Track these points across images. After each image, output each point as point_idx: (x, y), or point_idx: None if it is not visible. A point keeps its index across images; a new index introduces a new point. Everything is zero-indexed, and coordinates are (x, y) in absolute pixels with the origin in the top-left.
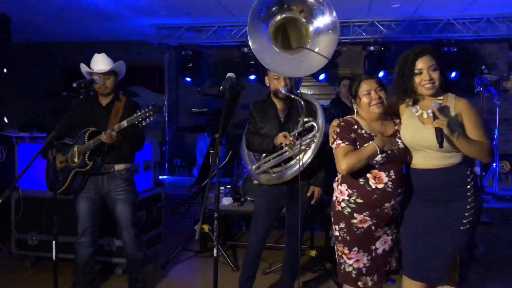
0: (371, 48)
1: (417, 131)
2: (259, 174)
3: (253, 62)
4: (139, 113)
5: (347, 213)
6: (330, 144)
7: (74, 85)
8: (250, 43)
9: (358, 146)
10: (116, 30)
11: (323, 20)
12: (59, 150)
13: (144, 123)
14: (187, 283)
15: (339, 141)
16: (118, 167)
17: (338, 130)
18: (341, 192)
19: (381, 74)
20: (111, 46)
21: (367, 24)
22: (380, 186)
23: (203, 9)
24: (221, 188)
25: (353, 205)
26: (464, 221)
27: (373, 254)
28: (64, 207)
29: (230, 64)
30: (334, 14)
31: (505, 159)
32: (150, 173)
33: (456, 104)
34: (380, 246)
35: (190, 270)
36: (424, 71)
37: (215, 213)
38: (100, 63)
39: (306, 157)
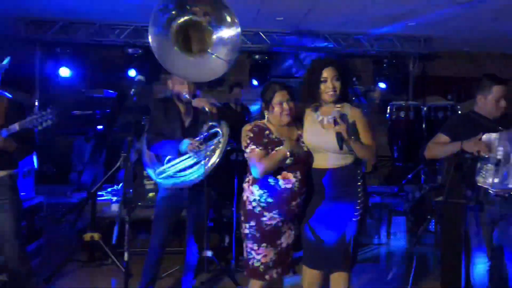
0: (256, 56)
1: (319, 135)
2: (163, 178)
3: (137, 64)
4: (34, 116)
5: (257, 212)
6: (243, 148)
7: None
8: (151, 45)
9: (270, 150)
10: None
11: (227, 31)
12: None
13: (40, 127)
14: None
15: (253, 146)
16: (1, 173)
17: (252, 135)
18: (252, 193)
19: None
20: None
21: (253, 33)
22: (289, 186)
23: (81, 4)
24: (107, 194)
25: (263, 204)
26: (355, 213)
27: (279, 249)
28: None
29: (112, 64)
30: (239, 28)
31: None
32: (31, 180)
33: (351, 113)
34: (285, 240)
35: (77, 282)
36: (328, 80)
37: (127, 219)
38: None
39: (211, 162)
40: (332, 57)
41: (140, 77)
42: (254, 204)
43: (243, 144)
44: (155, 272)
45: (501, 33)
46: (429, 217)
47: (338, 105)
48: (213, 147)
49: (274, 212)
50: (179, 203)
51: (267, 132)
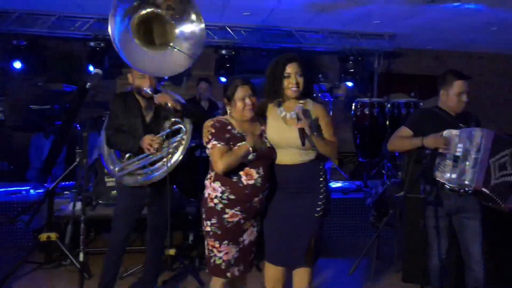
0: (223, 51)
1: (281, 131)
2: (123, 176)
3: (98, 58)
4: None
5: (219, 209)
6: (204, 144)
7: None
8: (111, 37)
9: (232, 145)
10: None
11: (190, 27)
12: None
13: None
14: None
15: (214, 142)
16: None
17: (213, 130)
18: (214, 189)
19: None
20: None
21: (219, 28)
22: (251, 182)
23: None
24: (66, 192)
25: (225, 201)
26: (317, 209)
27: (241, 246)
28: None
29: (72, 58)
30: (203, 23)
31: None
32: None
33: (314, 109)
34: (247, 237)
35: (34, 284)
36: (292, 75)
37: (81, 217)
38: None
39: (174, 159)
40: (295, 53)
41: (97, 71)
42: (216, 201)
43: (205, 140)
44: (115, 271)
45: (464, 32)
46: (390, 211)
47: (301, 101)
48: (176, 143)
49: (236, 209)
50: (140, 200)
51: (229, 127)
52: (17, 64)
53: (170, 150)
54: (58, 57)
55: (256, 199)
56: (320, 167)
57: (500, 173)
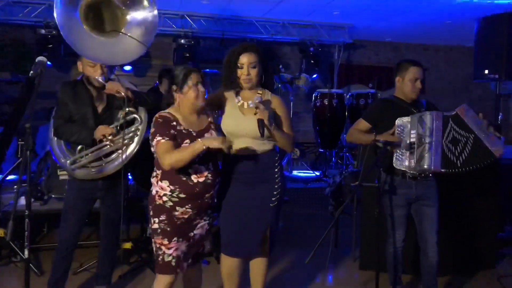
0: (182, 41)
1: (238, 120)
2: (75, 169)
3: (50, 46)
4: None
5: (168, 206)
6: (150, 140)
7: None
8: (58, 23)
9: (179, 142)
10: None
11: (142, 13)
12: None
13: None
14: None
15: (159, 138)
16: None
17: (156, 127)
18: (162, 188)
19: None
20: None
21: (178, 16)
22: (201, 179)
23: None
24: (16, 186)
25: (175, 199)
26: (273, 199)
27: (191, 241)
28: None
29: (22, 46)
30: (155, 9)
31: (296, 147)
32: None
33: (272, 100)
34: (198, 231)
35: None
36: (244, 66)
37: (26, 212)
38: None
39: (129, 150)
40: (252, 44)
41: (41, 58)
42: (165, 198)
43: (150, 136)
44: (66, 267)
45: (420, 24)
46: (347, 200)
47: (260, 91)
48: (131, 134)
49: (187, 206)
50: (92, 194)
51: (174, 123)
52: None
53: (126, 141)
54: (7, 44)
55: (207, 195)
56: (276, 158)
57: (457, 148)
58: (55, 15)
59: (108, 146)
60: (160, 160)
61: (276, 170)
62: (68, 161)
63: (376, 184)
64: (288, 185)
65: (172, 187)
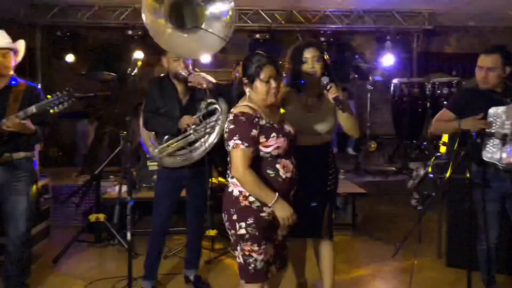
0: (257, 35)
1: (303, 116)
2: (163, 157)
3: (138, 45)
4: (51, 99)
5: (255, 207)
6: (226, 138)
7: None
8: (145, 23)
9: (264, 138)
10: None
11: (220, 7)
12: None
13: (56, 109)
14: (83, 274)
15: (238, 141)
16: (17, 155)
17: (238, 125)
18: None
19: None
20: None
21: (252, 12)
22: (289, 174)
23: None
24: (111, 176)
25: None
26: (329, 183)
27: (276, 242)
28: None
29: (112, 46)
30: (232, 3)
31: (372, 139)
32: (36, 162)
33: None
34: (280, 232)
35: (85, 261)
36: (309, 60)
37: (128, 199)
38: None
39: (211, 139)
40: (313, 39)
41: (137, 57)
42: (251, 198)
43: (227, 134)
44: (160, 250)
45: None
46: (433, 194)
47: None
48: (212, 123)
49: None
50: (179, 182)
51: (256, 119)
52: (61, 55)
53: (207, 130)
54: (98, 46)
55: (292, 192)
56: (330, 149)
57: None
58: (143, 18)
59: (192, 135)
60: (233, 166)
61: (330, 160)
62: (156, 150)
63: (467, 176)
64: (366, 179)
65: None
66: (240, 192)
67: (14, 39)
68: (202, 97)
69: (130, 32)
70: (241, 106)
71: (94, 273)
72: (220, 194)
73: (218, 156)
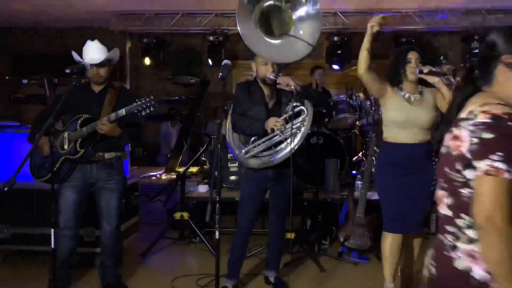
0: (334, 38)
1: (409, 111)
2: (248, 158)
3: (218, 51)
4: (140, 102)
5: None
6: (472, 158)
7: (67, 71)
8: (239, 29)
9: None
10: (73, 15)
11: (306, 9)
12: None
13: (143, 113)
14: (168, 270)
15: (500, 165)
16: (109, 155)
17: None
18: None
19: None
20: (66, 33)
21: (330, 14)
22: None
23: None
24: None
25: None
26: (433, 182)
27: None
28: (41, 197)
29: (194, 52)
30: (318, 5)
31: None
32: (127, 161)
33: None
34: None
35: (169, 257)
36: (412, 60)
37: (217, 197)
38: (93, 52)
39: (296, 140)
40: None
41: (227, 61)
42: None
43: (469, 147)
44: (243, 250)
45: None
46: None
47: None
48: (298, 124)
49: None
50: (263, 183)
51: None
52: (147, 60)
53: (293, 131)
54: (181, 52)
55: None
56: (432, 147)
57: None
58: (238, 27)
59: (278, 136)
60: (479, 209)
61: (433, 159)
62: (242, 152)
63: None
64: None
65: None
66: (478, 268)
67: (108, 46)
68: (288, 101)
69: (211, 37)
70: (497, 105)
71: (178, 269)
72: (299, 198)
73: (300, 161)
